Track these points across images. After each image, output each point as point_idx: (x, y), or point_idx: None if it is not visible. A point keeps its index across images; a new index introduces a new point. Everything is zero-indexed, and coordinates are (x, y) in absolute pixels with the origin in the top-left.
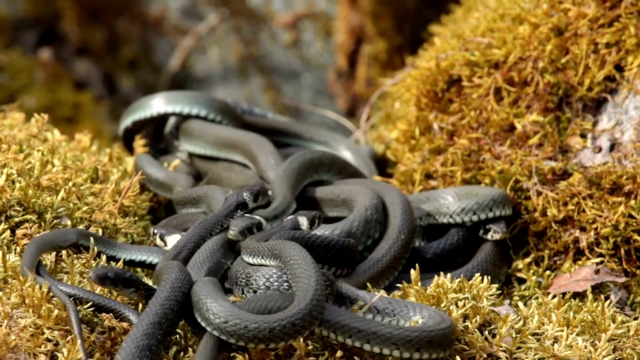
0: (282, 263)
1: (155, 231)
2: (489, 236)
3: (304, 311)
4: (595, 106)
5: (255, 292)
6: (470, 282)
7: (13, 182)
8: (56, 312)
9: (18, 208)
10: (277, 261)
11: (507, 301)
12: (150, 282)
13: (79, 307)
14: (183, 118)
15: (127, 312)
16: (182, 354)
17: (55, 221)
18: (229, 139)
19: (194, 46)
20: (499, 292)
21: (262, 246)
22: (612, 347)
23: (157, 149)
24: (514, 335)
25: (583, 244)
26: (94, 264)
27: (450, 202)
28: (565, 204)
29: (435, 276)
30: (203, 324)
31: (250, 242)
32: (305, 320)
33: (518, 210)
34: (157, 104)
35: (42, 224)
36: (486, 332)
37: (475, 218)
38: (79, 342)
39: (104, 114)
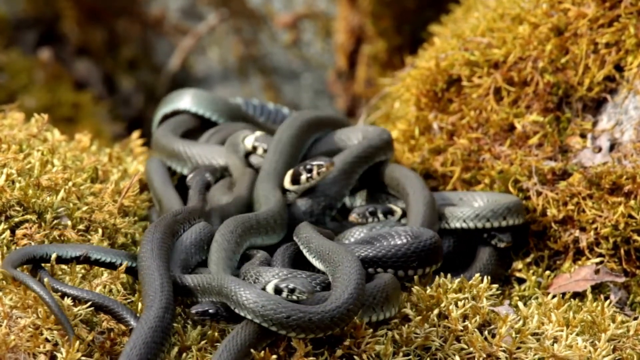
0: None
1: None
2: (492, 242)
3: (355, 293)
4: (595, 106)
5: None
6: (470, 282)
7: (13, 182)
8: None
9: (18, 208)
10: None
11: (506, 301)
12: None
13: (79, 307)
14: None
15: (125, 313)
16: (184, 354)
17: (55, 221)
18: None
19: (193, 46)
20: (499, 292)
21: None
22: (612, 347)
23: None
24: (513, 335)
25: (583, 244)
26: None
27: (459, 207)
28: (565, 204)
29: (436, 276)
30: (258, 321)
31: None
32: (359, 300)
33: None
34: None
35: (42, 224)
36: (486, 332)
37: (479, 225)
38: (67, 328)
39: (103, 114)
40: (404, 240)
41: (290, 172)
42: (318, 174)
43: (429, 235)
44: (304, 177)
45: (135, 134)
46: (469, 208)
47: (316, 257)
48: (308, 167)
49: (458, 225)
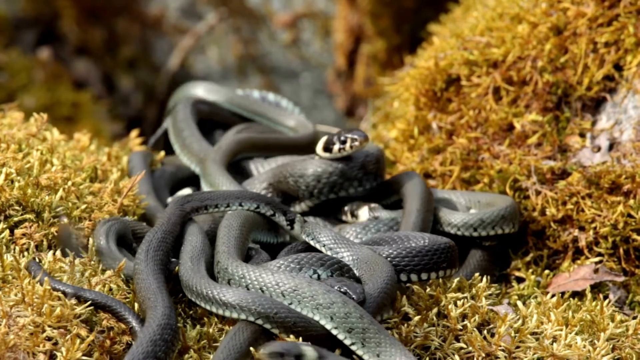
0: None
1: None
2: (477, 240)
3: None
4: (594, 105)
5: None
6: (469, 281)
7: (12, 181)
8: (58, 309)
9: (17, 207)
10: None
11: (505, 300)
12: None
13: (80, 307)
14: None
15: (125, 312)
16: (185, 355)
17: (53, 220)
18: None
19: (193, 46)
20: (498, 291)
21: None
22: (611, 346)
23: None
24: (512, 334)
25: (582, 243)
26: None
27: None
28: (564, 203)
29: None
30: (268, 326)
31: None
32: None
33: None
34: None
35: (41, 223)
36: (485, 332)
37: (475, 234)
38: None
39: (103, 113)
40: (421, 243)
41: (323, 139)
42: (351, 147)
43: (444, 240)
44: (336, 147)
45: (134, 133)
46: (462, 215)
47: (356, 267)
48: (342, 138)
49: (452, 231)
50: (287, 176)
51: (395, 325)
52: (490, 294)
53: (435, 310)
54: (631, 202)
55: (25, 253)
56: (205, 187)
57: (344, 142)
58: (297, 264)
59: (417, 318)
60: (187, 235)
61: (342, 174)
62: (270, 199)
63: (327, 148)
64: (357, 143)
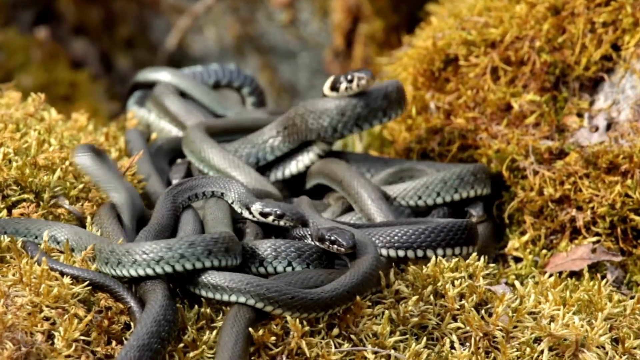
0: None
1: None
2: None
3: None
4: (592, 85)
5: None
6: (467, 261)
7: (10, 161)
8: (55, 289)
9: (15, 187)
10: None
11: (503, 280)
12: None
13: (77, 287)
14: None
15: (123, 292)
16: (185, 336)
17: (52, 200)
18: None
19: (190, 25)
20: (495, 271)
21: None
22: (609, 326)
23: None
24: (510, 314)
25: (580, 223)
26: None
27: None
28: (562, 183)
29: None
30: (260, 305)
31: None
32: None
33: (514, 190)
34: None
35: (40, 202)
36: (482, 311)
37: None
38: None
39: (100, 92)
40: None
41: (331, 79)
42: (358, 85)
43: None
44: (343, 86)
45: (132, 113)
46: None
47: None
48: (349, 77)
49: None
50: (303, 114)
51: (391, 304)
52: (487, 274)
53: (429, 288)
54: (629, 182)
55: None
56: (189, 157)
57: (350, 81)
58: (273, 251)
59: (414, 298)
60: (182, 224)
61: (366, 105)
62: (266, 200)
63: (334, 87)
64: (363, 82)
